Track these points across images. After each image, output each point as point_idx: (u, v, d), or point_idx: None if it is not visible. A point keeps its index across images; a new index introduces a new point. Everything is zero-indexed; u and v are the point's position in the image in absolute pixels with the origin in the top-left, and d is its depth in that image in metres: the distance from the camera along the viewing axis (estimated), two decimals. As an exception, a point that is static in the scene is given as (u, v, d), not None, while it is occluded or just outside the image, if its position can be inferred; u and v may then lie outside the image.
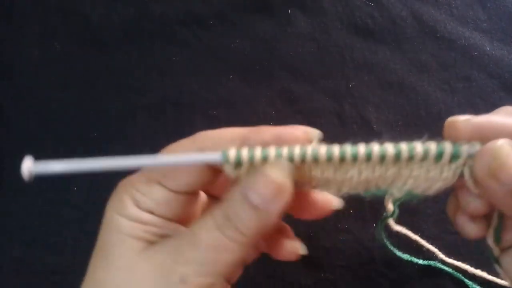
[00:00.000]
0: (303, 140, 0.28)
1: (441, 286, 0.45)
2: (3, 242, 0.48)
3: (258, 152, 0.27)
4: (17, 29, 0.55)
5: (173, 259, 0.27)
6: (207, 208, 0.32)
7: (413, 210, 0.47)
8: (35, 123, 0.52)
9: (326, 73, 0.53)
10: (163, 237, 0.29)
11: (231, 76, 0.53)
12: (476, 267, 0.44)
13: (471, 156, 0.26)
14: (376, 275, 0.46)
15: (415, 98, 0.51)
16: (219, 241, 0.27)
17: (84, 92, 0.53)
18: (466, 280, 0.44)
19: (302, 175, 0.28)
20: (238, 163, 0.27)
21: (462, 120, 0.27)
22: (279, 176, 0.27)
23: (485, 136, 0.26)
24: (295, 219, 0.34)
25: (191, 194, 0.31)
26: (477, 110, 0.51)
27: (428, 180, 0.27)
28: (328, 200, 0.33)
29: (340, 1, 0.55)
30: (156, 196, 0.29)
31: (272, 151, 0.27)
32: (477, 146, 0.26)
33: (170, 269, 0.27)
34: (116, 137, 0.51)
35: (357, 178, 0.28)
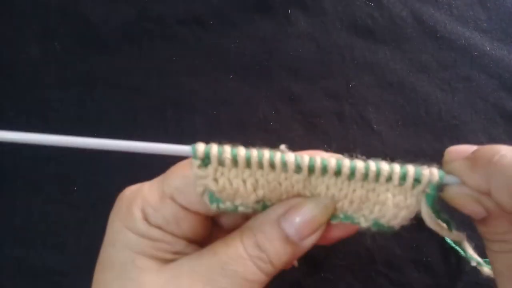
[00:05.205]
0: None
1: (441, 285, 0.46)
2: (3, 242, 0.48)
3: (227, 150, 0.27)
4: (17, 29, 0.55)
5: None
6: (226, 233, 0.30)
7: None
8: (35, 123, 0.52)
9: (326, 73, 0.53)
10: (174, 254, 0.28)
11: (231, 76, 0.53)
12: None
13: (434, 184, 0.26)
14: (376, 275, 0.46)
15: (415, 98, 0.51)
16: (252, 272, 0.26)
17: (84, 92, 0.53)
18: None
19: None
20: (206, 159, 0.27)
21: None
22: (320, 215, 0.26)
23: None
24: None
25: (203, 216, 0.30)
26: (477, 110, 0.51)
27: (393, 207, 0.27)
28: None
29: (340, 1, 0.55)
30: (167, 212, 0.28)
31: (241, 151, 0.27)
32: (437, 173, 0.26)
33: None
34: (116, 137, 0.51)
35: (324, 195, 0.27)
